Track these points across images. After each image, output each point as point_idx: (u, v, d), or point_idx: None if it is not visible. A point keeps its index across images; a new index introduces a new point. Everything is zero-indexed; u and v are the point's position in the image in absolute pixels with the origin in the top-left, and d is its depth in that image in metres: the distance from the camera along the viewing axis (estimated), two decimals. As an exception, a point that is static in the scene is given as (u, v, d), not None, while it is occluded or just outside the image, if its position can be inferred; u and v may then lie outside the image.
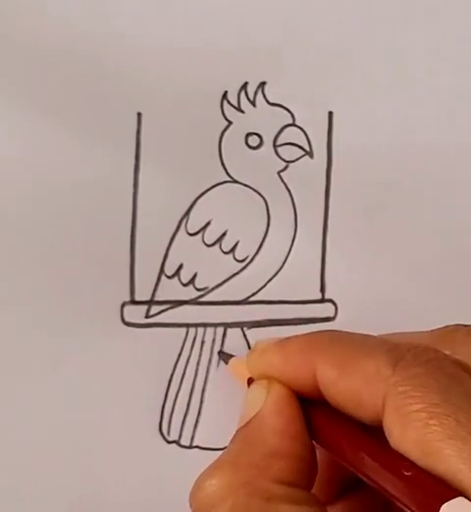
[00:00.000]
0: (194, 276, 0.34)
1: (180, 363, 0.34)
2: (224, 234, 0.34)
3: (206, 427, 0.35)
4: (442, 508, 0.22)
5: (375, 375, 0.25)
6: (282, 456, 0.27)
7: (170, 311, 0.34)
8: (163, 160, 0.34)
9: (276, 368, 0.29)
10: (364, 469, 0.25)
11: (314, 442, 0.28)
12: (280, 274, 0.35)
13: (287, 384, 0.28)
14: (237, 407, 0.35)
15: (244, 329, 0.35)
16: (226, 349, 0.35)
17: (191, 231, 0.34)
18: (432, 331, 0.30)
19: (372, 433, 0.26)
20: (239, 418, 0.29)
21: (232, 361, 0.34)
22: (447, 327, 0.29)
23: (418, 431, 0.23)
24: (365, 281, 0.35)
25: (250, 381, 0.31)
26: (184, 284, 0.34)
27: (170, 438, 0.34)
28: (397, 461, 0.24)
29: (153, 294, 0.34)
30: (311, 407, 0.28)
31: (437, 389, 0.24)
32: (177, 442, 0.34)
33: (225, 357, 0.34)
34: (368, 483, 0.25)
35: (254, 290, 0.35)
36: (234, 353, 0.34)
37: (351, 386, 0.26)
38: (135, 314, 0.34)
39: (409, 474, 0.24)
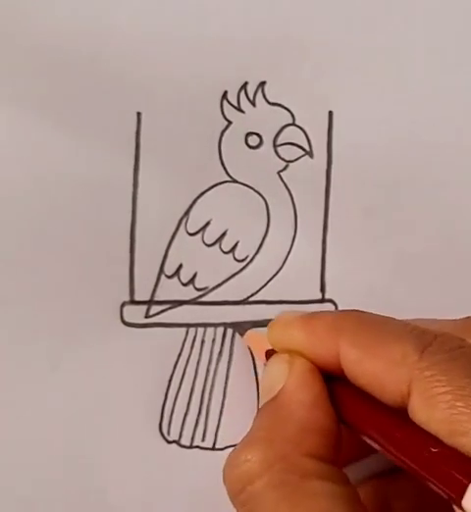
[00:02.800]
0: (194, 275, 0.34)
1: (180, 363, 0.34)
2: (224, 234, 0.34)
3: (206, 427, 0.35)
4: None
5: (401, 359, 0.25)
6: (313, 430, 0.27)
7: (170, 311, 0.34)
8: (163, 160, 0.34)
9: (299, 342, 0.29)
10: (389, 446, 0.25)
11: None
12: (280, 274, 0.35)
13: (310, 360, 0.28)
14: (238, 407, 0.35)
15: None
16: (225, 349, 0.35)
17: (191, 231, 0.34)
18: (454, 320, 0.30)
19: (396, 412, 0.26)
20: (261, 391, 0.29)
21: (249, 333, 0.33)
22: (469, 317, 0.30)
23: (444, 411, 0.24)
24: (365, 282, 0.35)
25: (269, 353, 0.31)
26: (184, 284, 0.34)
27: (170, 438, 0.34)
28: (424, 438, 0.24)
29: (153, 294, 0.34)
30: (333, 383, 0.28)
31: (463, 374, 0.24)
32: (177, 442, 0.34)
33: (240, 329, 0.34)
34: (392, 460, 0.25)
35: (254, 290, 0.35)
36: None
37: (375, 368, 0.26)
38: (135, 314, 0.34)
39: (436, 450, 0.24)
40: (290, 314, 0.30)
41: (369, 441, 0.26)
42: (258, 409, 0.29)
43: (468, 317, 0.30)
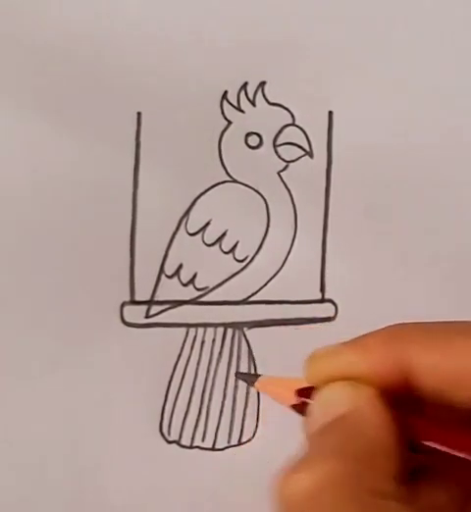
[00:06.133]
0: (194, 276, 0.34)
1: (180, 363, 0.34)
2: (224, 234, 0.34)
3: (206, 427, 0.35)
4: None
5: None
6: (384, 451, 0.26)
7: (170, 311, 0.34)
8: (163, 160, 0.34)
9: (355, 366, 0.27)
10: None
11: None
12: (280, 274, 0.35)
13: (369, 382, 0.27)
14: (237, 407, 0.35)
15: (244, 329, 0.35)
16: (225, 349, 0.35)
17: (191, 231, 0.34)
18: None
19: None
20: (316, 413, 0.27)
21: (261, 381, 0.30)
22: None
23: None
24: (365, 281, 0.35)
25: (301, 393, 0.28)
26: (184, 284, 0.34)
27: (170, 439, 0.34)
28: None
29: (153, 294, 0.34)
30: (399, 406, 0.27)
31: None
32: (177, 442, 0.34)
33: (247, 377, 0.32)
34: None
35: (254, 290, 0.35)
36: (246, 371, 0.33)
37: (459, 366, 0.26)
38: (135, 314, 0.34)
39: None
40: (328, 347, 0.28)
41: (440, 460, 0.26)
42: (307, 427, 0.27)
43: None
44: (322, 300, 0.35)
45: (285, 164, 0.35)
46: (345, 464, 0.25)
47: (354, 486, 0.24)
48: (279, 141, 0.35)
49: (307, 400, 0.28)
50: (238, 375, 0.33)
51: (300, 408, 0.28)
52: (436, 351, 0.26)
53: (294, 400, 0.28)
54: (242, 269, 0.35)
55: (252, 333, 0.35)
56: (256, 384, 0.30)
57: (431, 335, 0.27)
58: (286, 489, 0.25)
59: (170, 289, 0.34)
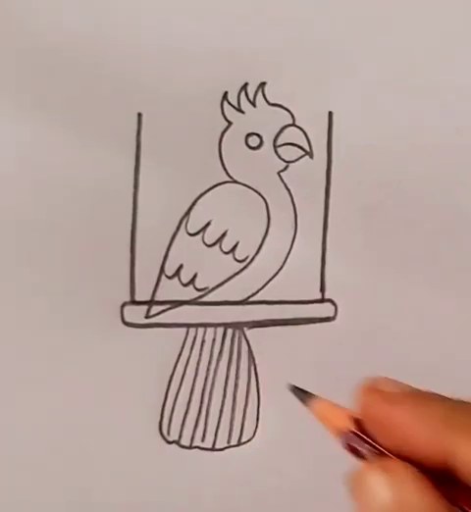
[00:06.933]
0: (194, 276, 0.34)
1: (180, 363, 0.34)
2: (224, 235, 0.34)
3: (206, 427, 0.35)
4: None
5: None
6: None
7: (170, 311, 0.34)
8: (163, 160, 0.34)
9: (405, 430, 0.25)
10: None
11: None
12: (280, 274, 0.35)
13: (411, 449, 0.25)
14: (237, 407, 0.35)
15: (244, 329, 0.35)
16: (225, 349, 0.35)
17: (191, 232, 0.34)
18: None
19: None
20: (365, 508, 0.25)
21: (318, 405, 0.28)
22: None
23: None
24: (365, 281, 0.35)
25: (350, 434, 0.26)
26: (185, 285, 0.34)
27: (170, 438, 0.34)
28: None
29: (153, 294, 0.34)
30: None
31: None
32: (177, 442, 0.34)
33: (301, 395, 0.29)
34: None
35: (254, 290, 0.35)
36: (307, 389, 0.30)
37: None
38: (136, 314, 0.34)
39: None
40: (391, 384, 0.26)
41: None
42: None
43: None
44: (322, 300, 0.35)
45: (285, 164, 0.35)
46: None
47: None
48: (279, 142, 0.35)
49: (357, 446, 0.26)
50: (292, 388, 0.29)
51: (350, 440, 0.26)
52: None
53: (346, 428, 0.26)
54: (242, 269, 0.35)
55: (252, 333, 0.35)
56: (314, 409, 0.27)
57: None
58: None
59: (170, 290, 0.34)
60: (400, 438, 0.25)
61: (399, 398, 0.26)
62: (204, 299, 0.34)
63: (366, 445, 0.26)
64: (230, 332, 0.35)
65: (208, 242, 0.34)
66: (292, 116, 0.35)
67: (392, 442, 0.25)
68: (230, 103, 0.34)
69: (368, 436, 0.26)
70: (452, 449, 0.25)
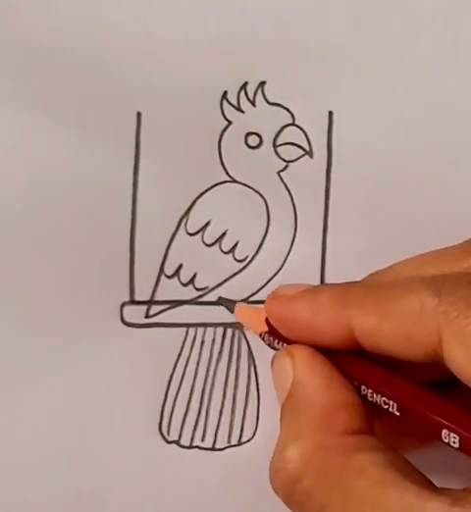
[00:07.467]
0: (194, 276, 0.34)
1: (180, 363, 0.34)
2: (224, 234, 0.34)
3: (206, 427, 0.35)
4: None
5: (421, 310, 0.25)
6: (337, 409, 0.26)
7: (170, 311, 0.34)
8: (162, 160, 0.34)
9: (305, 320, 0.28)
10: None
11: None
12: (280, 274, 0.35)
13: (316, 336, 0.28)
14: (237, 407, 0.35)
15: (244, 329, 0.35)
16: (225, 349, 0.35)
17: (191, 231, 0.34)
18: (461, 244, 0.30)
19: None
20: (276, 392, 0.29)
21: (240, 307, 0.33)
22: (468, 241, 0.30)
23: None
24: (365, 281, 0.35)
25: (265, 334, 0.31)
26: (184, 284, 0.34)
27: (170, 438, 0.34)
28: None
29: (153, 294, 0.34)
30: (344, 358, 0.28)
31: None
32: (177, 442, 0.34)
33: (227, 303, 0.33)
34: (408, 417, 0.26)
35: (254, 290, 0.35)
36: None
37: (396, 329, 0.26)
38: (135, 314, 0.34)
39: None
40: (291, 288, 0.29)
41: (389, 408, 0.26)
42: (281, 411, 0.28)
43: (467, 240, 0.29)
44: (322, 300, 0.35)
45: (285, 164, 0.35)
46: (306, 442, 0.26)
47: (322, 456, 0.26)
48: (279, 141, 0.35)
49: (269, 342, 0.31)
50: (220, 299, 0.34)
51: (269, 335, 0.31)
52: (373, 315, 0.26)
53: (264, 329, 0.31)
54: (242, 269, 0.35)
55: (252, 333, 0.35)
56: (235, 311, 0.33)
57: (370, 298, 0.27)
58: (275, 479, 0.27)
59: (170, 289, 0.34)
60: (303, 329, 0.28)
61: (296, 295, 0.29)
62: (204, 299, 0.34)
63: (278, 341, 0.30)
64: (230, 332, 0.35)
65: (208, 242, 0.34)
66: (292, 115, 0.35)
67: (297, 335, 0.29)
68: (229, 102, 0.34)
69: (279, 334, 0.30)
70: (350, 323, 0.26)
